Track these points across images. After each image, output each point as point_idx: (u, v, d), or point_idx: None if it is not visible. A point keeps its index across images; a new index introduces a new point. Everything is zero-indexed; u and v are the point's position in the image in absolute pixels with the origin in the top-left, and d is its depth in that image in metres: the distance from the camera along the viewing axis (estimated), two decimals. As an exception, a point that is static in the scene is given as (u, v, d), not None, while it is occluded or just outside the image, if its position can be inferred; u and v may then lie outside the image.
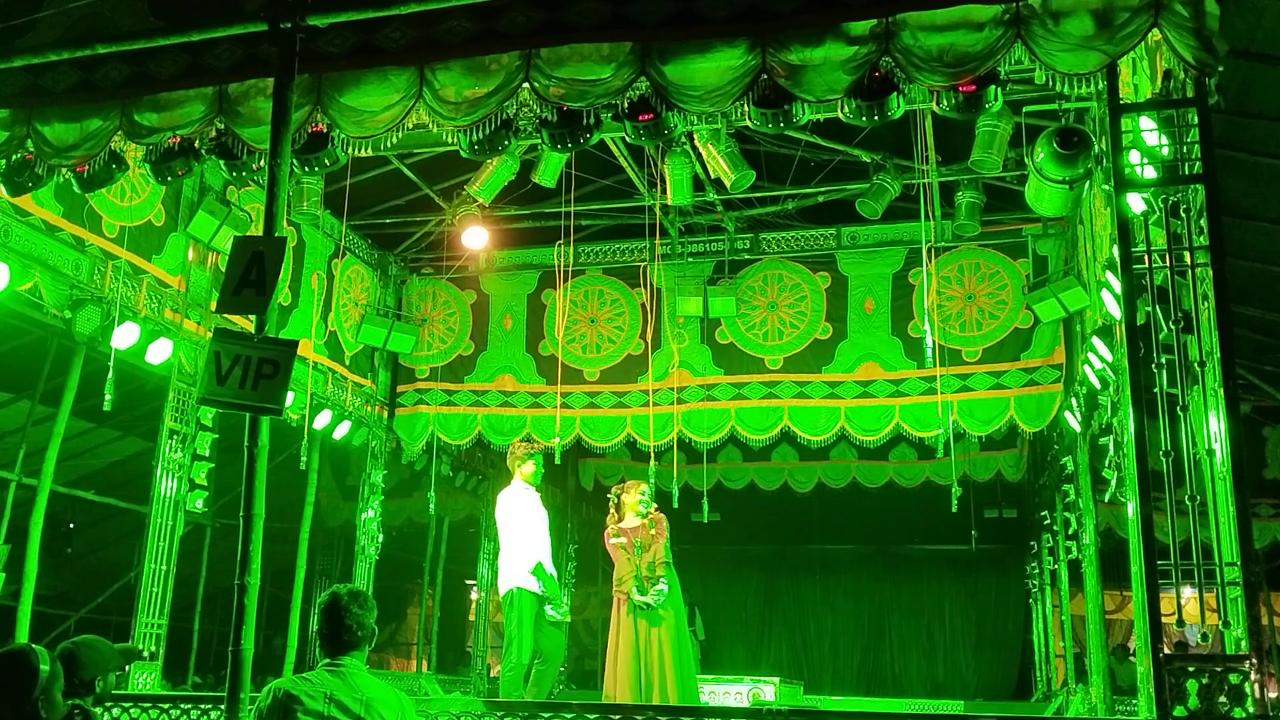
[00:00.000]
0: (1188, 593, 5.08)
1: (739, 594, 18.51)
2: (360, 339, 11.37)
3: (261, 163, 5.91)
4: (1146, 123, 5.31)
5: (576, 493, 16.41)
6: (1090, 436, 9.70)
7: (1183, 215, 5.14)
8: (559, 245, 10.96)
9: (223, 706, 4.42)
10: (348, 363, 11.33)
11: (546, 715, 5.80)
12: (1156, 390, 4.96)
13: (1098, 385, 8.43)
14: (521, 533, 7.83)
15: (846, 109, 5.50)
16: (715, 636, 17.93)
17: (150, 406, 9.44)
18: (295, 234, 10.19)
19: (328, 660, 3.75)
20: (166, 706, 6.41)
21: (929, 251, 9.72)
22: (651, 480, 8.53)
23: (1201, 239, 5.07)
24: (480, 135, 5.82)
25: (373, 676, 3.77)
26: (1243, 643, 4.59)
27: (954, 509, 10.28)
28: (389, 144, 6.02)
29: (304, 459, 10.54)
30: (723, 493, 14.64)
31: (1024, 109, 7.92)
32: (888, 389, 10.71)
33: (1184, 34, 4.88)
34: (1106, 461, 8.50)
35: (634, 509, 8.16)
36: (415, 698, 7.37)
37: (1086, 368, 8.65)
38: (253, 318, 4.90)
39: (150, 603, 8.37)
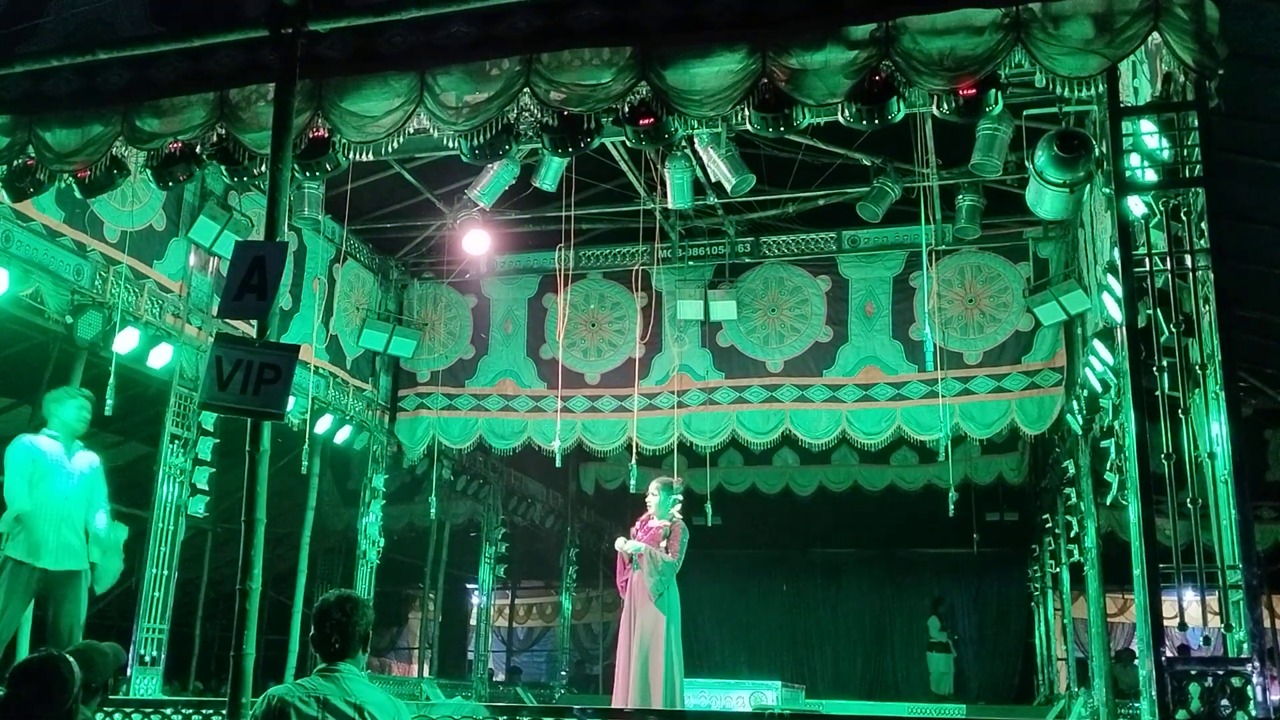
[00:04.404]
0: (1190, 595, 5.07)
1: (740, 598, 18.50)
2: (361, 343, 11.38)
3: (263, 168, 5.91)
4: (1147, 126, 5.31)
5: (577, 496, 16.42)
6: (1092, 439, 9.70)
7: (1183, 218, 5.14)
8: (559, 249, 10.95)
9: (224, 712, 4.42)
10: (349, 367, 11.34)
11: (549, 719, 5.79)
12: (1158, 393, 4.96)
13: (1099, 388, 8.43)
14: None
15: (847, 113, 5.50)
16: (717, 640, 17.95)
17: (152, 411, 9.43)
18: (296, 239, 10.21)
19: (323, 665, 3.75)
20: (168, 712, 6.41)
21: (930, 255, 9.72)
22: (670, 480, 8.43)
23: (1202, 242, 5.07)
24: (481, 140, 5.83)
25: (368, 682, 3.77)
26: (1245, 646, 4.58)
27: (950, 513, 10.28)
28: (390, 149, 6.03)
29: (305, 464, 10.54)
30: (724, 496, 14.64)
31: (1024, 112, 7.92)
32: (889, 392, 10.71)
33: (1184, 37, 4.88)
34: (1108, 464, 8.49)
35: (654, 510, 8.13)
36: (417, 703, 7.38)
37: (1088, 370, 8.65)
38: (254, 323, 4.91)
39: (152, 608, 8.38)
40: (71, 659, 3.57)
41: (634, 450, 10.97)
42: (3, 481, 6.54)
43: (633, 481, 10.64)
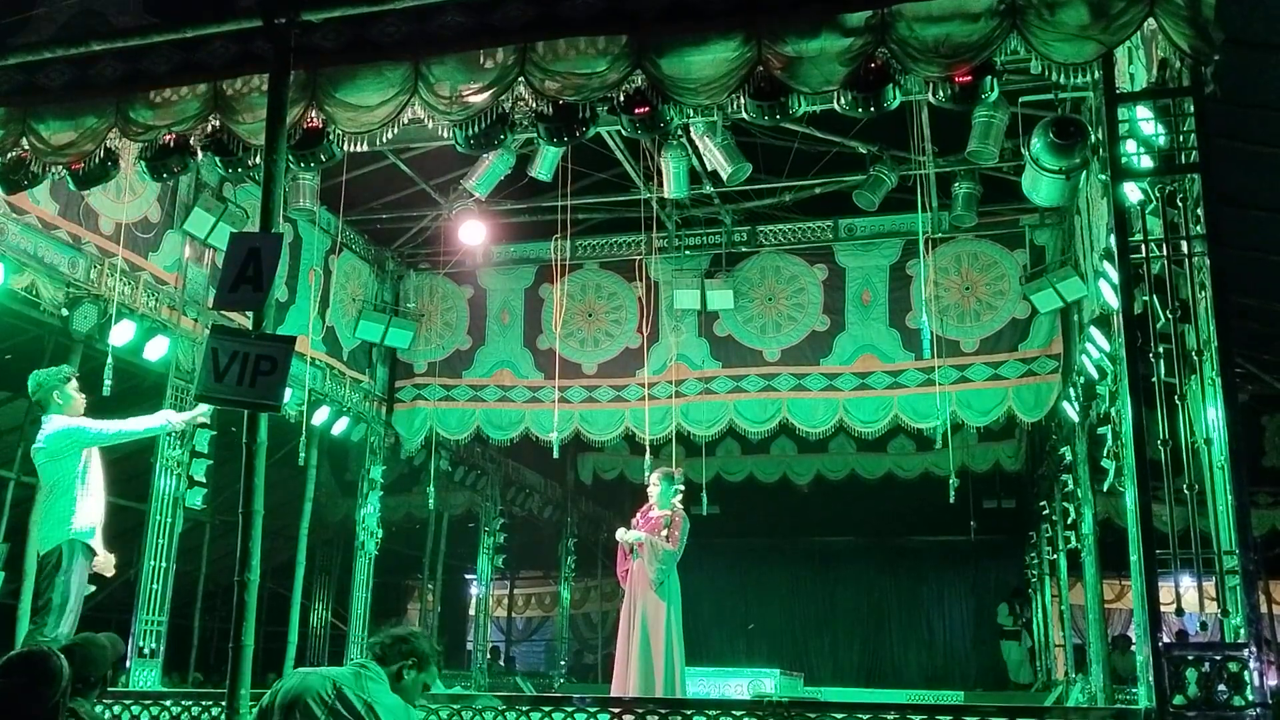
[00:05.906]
0: (1187, 581, 5.09)
1: (738, 586, 18.54)
2: (358, 335, 11.36)
3: (257, 159, 5.90)
4: (1143, 112, 5.31)
5: (575, 486, 16.43)
6: (1088, 426, 9.71)
7: (1179, 204, 5.15)
8: (556, 239, 10.92)
9: (223, 703, 4.42)
10: (345, 359, 11.32)
11: (548, 708, 5.80)
12: (1154, 379, 4.97)
13: (1095, 375, 8.43)
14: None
15: (843, 100, 5.49)
16: (715, 629, 17.97)
17: (148, 404, 9.39)
18: (292, 230, 10.18)
19: (361, 660, 3.94)
20: (168, 703, 6.41)
21: (926, 243, 9.71)
22: (670, 470, 8.48)
23: (1199, 228, 5.07)
24: (476, 130, 5.81)
25: (387, 689, 3.86)
26: (1241, 631, 4.60)
27: (951, 499, 10.29)
28: (385, 139, 6.01)
29: (303, 455, 10.53)
30: (721, 485, 14.66)
31: (1020, 99, 7.90)
32: (886, 380, 10.71)
33: (1180, 22, 4.87)
34: (1105, 451, 8.49)
35: (655, 500, 8.14)
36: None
37: (1084, 357, 8.66)
38: (250, 314, 4.90)
39: (150, 600, 8.39)
40: (58, 653, 3.56)
41: (644, 443, 10.93)
42: (65, 466, 6.35)
43: (647, 474, 10.67)
